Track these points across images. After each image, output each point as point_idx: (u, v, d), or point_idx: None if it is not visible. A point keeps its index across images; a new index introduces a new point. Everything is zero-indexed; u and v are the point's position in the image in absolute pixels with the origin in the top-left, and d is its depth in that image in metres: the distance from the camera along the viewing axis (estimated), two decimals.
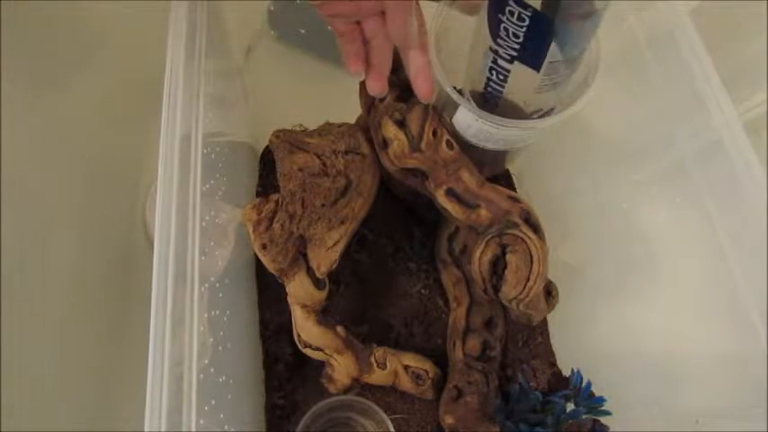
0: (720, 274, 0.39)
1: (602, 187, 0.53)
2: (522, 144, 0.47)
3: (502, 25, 0.36)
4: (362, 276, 0.58)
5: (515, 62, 0.38)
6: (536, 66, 0.38)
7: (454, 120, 0.45)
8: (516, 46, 0.37)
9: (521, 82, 0.40)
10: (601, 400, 0.50)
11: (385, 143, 0.44)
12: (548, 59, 0.37)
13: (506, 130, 0.43)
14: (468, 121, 0.43)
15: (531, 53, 0.37)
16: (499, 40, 0.38)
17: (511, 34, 0.36)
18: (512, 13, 0.35)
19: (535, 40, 0.36)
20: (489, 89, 0.42)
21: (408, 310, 0.57)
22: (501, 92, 0.42)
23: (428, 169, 0.44)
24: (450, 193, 0.44)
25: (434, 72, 0.41)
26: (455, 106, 0.43)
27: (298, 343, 0.48)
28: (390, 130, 0.43)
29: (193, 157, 0.38)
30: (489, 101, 0.43)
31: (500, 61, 0.39)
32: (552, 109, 0.44)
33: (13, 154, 0.41)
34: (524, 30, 0.35)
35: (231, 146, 0.52)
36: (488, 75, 0.41)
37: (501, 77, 0.40)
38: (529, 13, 0.34)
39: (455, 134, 0.46)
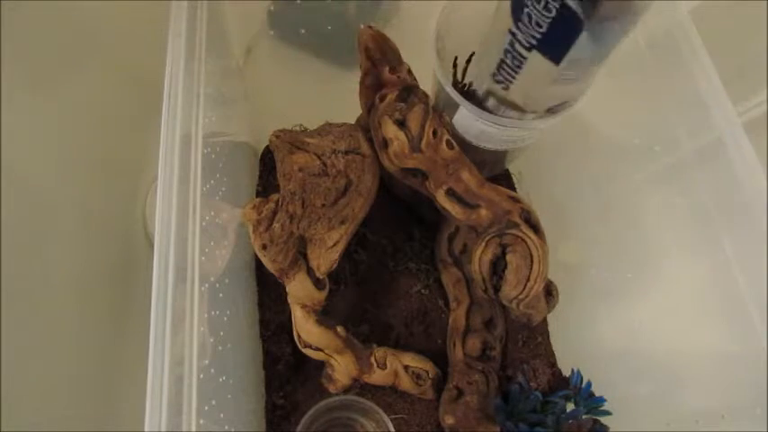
0: (720, 273, 0.39)
1: (602, 187, 0.53)
2: (523, 144, 0.47)
3: (525, 10, 0.34)
4: (362, 276, 0.58)
5: (533, 51, 0.36)
6: (556, 59, 0.36)
7: (455, 120, 0.45)
8: (537, 35, 0.35)
9: (536, 71, 0.38)
10: (601, 400, 0.50)
11: (385, 143, 0.44)
12: (571, 55, 0.35)
13: (507, 131, 0.43)
14: (468, 121, 0.43)
15: (553, 46, 0.35)
16: (520, 24, 0.35)
17: (533, 22, 0.34)
18: (538, 0, 0.33)
19: (559, 34, 0.34)
20: (501, 72, 0.40)
21: (408, 310, 0.57)
22: (513, 78, 0.39)
23: (428, 169, 0.44)
24: (451, 193, 0.44)
25: (436, 72, 0.41)
26: (456, 107, 0.43)
27: (298, 343, 0.48)
28: (390, 130, 0.43)
29: (193, 157, 0.38)
30: (499, 83, 0.41)
31: (517, 46, 0.37)
32: (563, 103, 0.42)
33: (13, 154, 0.41)
34: (549, 20, 0.33)
35: (231, 146, 0.52)
36: (503, 57, 0.39)
37: (516, 63, 0.38)
38: (557, 5, 0.32)
39: (455, 134, 0.46)
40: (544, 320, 0.59)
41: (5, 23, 0.41)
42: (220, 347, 0.41)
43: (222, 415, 0.39)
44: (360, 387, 0.52)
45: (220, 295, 0.42)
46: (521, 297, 0.43)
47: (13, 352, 0.38)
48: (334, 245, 0.44)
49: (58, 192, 0.47)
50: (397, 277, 0.58)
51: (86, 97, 0.51)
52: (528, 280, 0.42)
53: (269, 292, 0.57)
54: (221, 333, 0.41)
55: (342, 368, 0.48)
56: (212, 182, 0.42)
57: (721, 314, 0.40)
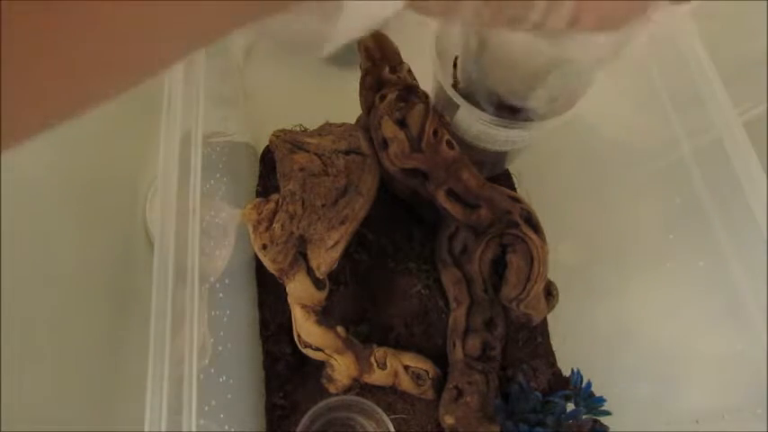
0: (720, 274, 0.39)
1: (602, 187, 0.53)
2: (523, 145, 0.47)
3: None
4: (362, 276, 0.58)
5: None
6: None
7: (455, 120, 0.45)
8: None
9: None
10: (601, 400, 0.50)
11: (385, 143, 0.44)
12: None
13: (507, 131, 0.43)
14: (468, 122, 0.43)
15: None
16: None
17: None
18: None
19: None
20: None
21: (408, 310, 0.57)
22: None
23: (428, 169, 0.44)
24: (451, 193, 0.44)
25: (435, 72, 0.41)
26: (455, 107, 0.43)
27: (298, 343, 0.48)
28: (390, 130, 0.43)
29: (193, 157, 0.38)
30: None
31: None
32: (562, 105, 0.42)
33: (13, 154, 0.41)
34: None
35: (231, 146, 0.52)
36: None
37: None
38: None
39: (455, 135, 0.46)
40: (544, 320, 0.59)
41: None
42: (220, 347, 0.41)
43: (222, 415, 0.39)
44: (360, 387, 0.52)
45: (220, 295, 0.42)
46: (521, 297, 0.43)
47: (13, 352, 0.38)
48: (335, 245, 0.44)
49: (58, 192, 0.47)
50: (397, 277, 0.58)
51: None
52: (528, 280, 0.42)
53: (269, 292, 0.57)
54: (221, 333, 0.41)
55: (342, 368, 0.48)
56: (212, 182, 0.42)
57: (721, 314, 0.40)
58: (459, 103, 0.42)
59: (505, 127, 0.42)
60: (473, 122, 0.43)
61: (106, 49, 0.14)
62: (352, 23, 0.18)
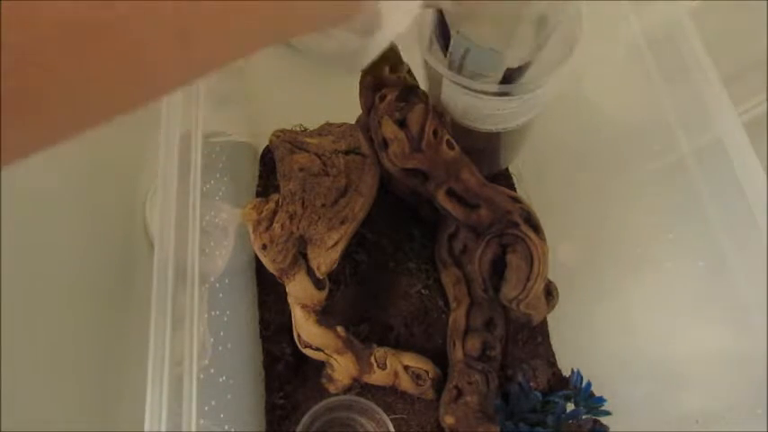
0: (720, 274, 0.39)
1: (602, 187, 0.53)
2: (514, 123, 0.46)
3: None
4: (362, 276, 0.58)
5: None
6: None
7: (442, 97, 0.45)
8: None
9: None
10: (601, 400, 0.50)
11: (385, 143, 0.44)
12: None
13: (492, 102, 0.41)
14: (454, 96, 0.43)
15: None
16: None
17: None
18: None
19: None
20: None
21: (408, 310, 0.57)
22: None
23: (428, 169, 0.44)
24: (451, 193, 0.44)
25: (418, 43, 0.40)
26: (441, 83, 0.42)
27: (298, 343, 0.48)
28: (390, 130, 0.43)
29: (193, 157, 0.38)
30: None
31: None
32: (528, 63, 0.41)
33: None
34: None
35: (231, 146, 0.52)
36: None
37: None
38: None
39: (443, 113, 0.45)
40: (544, 320, 0.59)
41: None
42: (220, 347, 0.41)
43: (222, 415, 0.39)
44: (360, 387, 0.52)
45: (220, 295, 0.42)
46: (521, 297, 0.43)
47: (13, 352, 0.38)
48: (335, 245, 0.44)
49: (58, 192, 0.47)
50: (397, 277, 0.58)
51: None
52: (528, 280, 0.42)
53: (269, 292, 0.57)
54: (221, 333, 0.41)
55: (342, 368, 0.48)
56: (212, 182, 0.42)
57: (721, 314, 0.40)
58: (441, 72, 0.41)
59: (487, 94, 0.41)
60: (459, 96, 0.42)
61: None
62: (387, 34, 0.19)
